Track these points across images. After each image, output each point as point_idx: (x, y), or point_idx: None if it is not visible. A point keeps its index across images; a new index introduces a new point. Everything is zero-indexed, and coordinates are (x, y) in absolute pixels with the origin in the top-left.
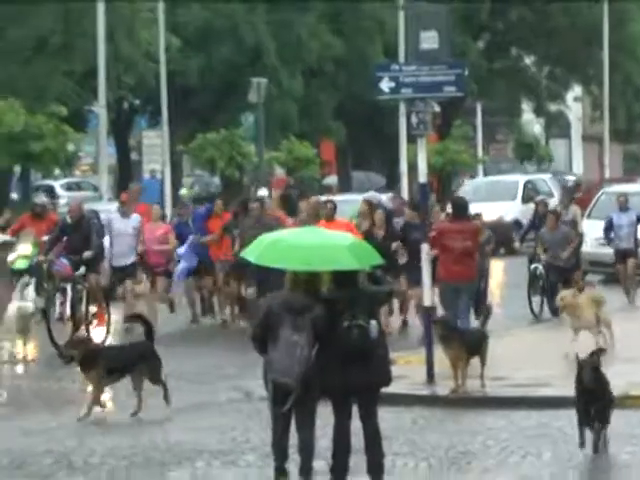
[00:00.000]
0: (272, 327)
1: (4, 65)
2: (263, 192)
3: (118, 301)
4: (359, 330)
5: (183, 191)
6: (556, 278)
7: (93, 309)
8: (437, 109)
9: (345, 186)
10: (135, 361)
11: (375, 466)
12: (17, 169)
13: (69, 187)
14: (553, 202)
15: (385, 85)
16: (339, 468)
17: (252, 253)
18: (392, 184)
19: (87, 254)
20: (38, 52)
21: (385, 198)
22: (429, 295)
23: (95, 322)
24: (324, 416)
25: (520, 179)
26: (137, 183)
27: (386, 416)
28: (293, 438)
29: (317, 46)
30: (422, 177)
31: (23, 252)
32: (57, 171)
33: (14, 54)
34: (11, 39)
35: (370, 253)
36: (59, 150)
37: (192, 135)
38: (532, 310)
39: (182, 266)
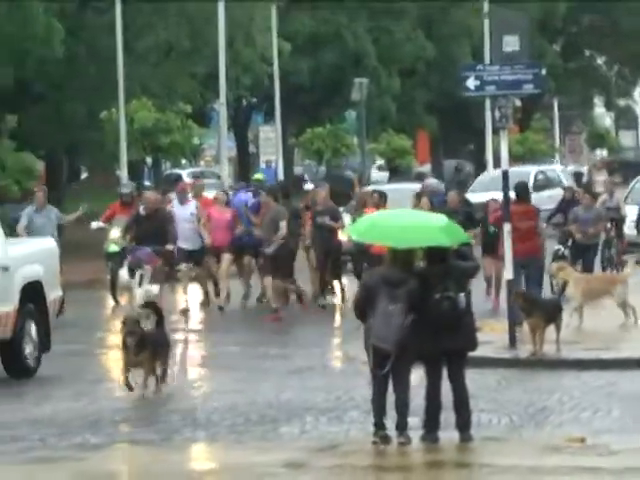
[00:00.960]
0: (371, 298)
1: (137, 68)
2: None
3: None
4: (449, 301)
5: (258, 175)
6: (581, 255)
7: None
8: (518, 104)
9: (437, 173)
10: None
11: (463, 421)
12: (149, 160)
13: (195, 175)
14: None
15: (471, 83)
16: (431, 424)
17: (355, 231)
18: (481, 171)
19: (168, 246)
20: (167, 57)
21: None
22: (510, 269)
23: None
24: (418, 377)
25: (532, 169)
26: (201, 180)
27: (472, 377)
28: (390, 397)
29: (412, 49)
30: (504, 164)
31: (114, 236)
32: (184, 161)
33: (146, 59)
34: (143, 46)
35: (459, 232)
36: (185, 143)
37: (302, 129)
38: (552, 291)
39: None
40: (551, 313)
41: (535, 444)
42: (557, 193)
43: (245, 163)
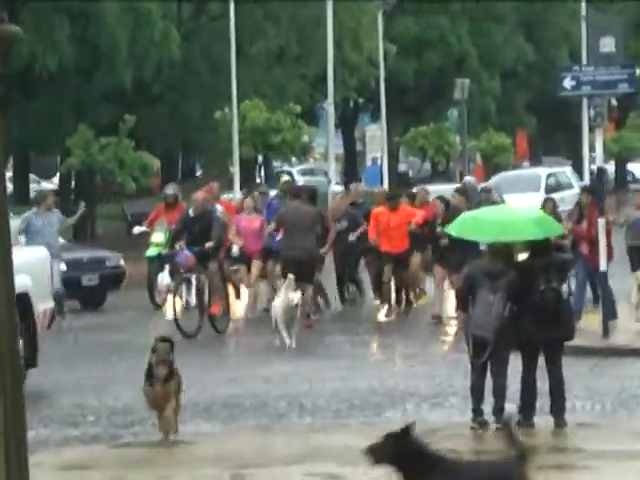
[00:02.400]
0: (473, 289)
1: (250, 71)
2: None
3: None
4: (553, 292)
5: (285, 178)
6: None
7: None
8: (614, 103)
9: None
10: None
11: (558, 407)
12: (260, 157)
13: (304, 172)
14: (573, 193)
15: (567, 83)
16: (527, 409)
17: (454, 228)
18: (577, 168)
19: (209, 244)
20: (278, 60)
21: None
22: (604, 262)
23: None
24: (514, 365)
25: (542, 172)
26: (216, 181)
27: (567, 365)
28: (488, 383)
29: (512, 51)
30: (599, 161)
31: (156, 240)
32: (293, 159)
33: (258, 62)
34: (255, 50)
35: (554, 225)
36: (295, 141)
37: (406, 128)
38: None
39: None
40: None
41: (627, 430)
42: (569, 195)
43: (352, 160)
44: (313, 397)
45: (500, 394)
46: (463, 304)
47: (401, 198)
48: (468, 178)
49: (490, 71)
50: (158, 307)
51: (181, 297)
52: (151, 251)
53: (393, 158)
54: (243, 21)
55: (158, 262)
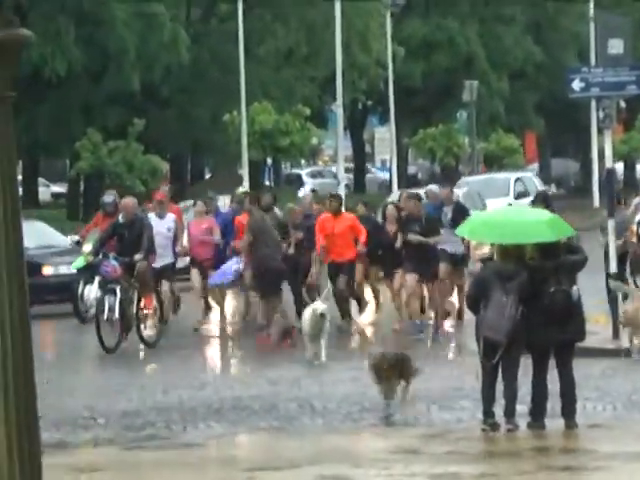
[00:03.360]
0: (485, 291)
1: (258, 73)
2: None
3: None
4: (564, 294)
5: (243, 188)
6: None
7: (146, 311)
8: (623, 105)
9: (545, 172)
10: None
11: (569, 409)
12: (269, 160)
13: (313, 175)
14: None
15: (576, 85)
16: (538, 411)
17: (465, 230)
18: (586, 169)
19: (137, 257)
20: (286, 61)
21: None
22: (614, 264)
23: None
24: (525, 367)
25: (511, 176)
26: (169, 185)
27: (578, 366)
28: (499, 385)
29: (521, 53)
30: (608, 163)
31: (86, 250)
32: (302, 161)
33: (266, 63)
34: (264, 51)
35: (565, 227)
36: (304, 144)
37: (415, 130)
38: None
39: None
40: None
41: (638, 431)
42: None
43: (361, 162)
44: (324, 399)
45: (511, 396)
46: (474, 306)
47: (341, 203)
48: (431, 186)
49: (499, 72)
50: (82, 320)
51: (104, 310)
52: (78, 262)
53: (402, 160)
54: (252, 23)
55: (87, 273)
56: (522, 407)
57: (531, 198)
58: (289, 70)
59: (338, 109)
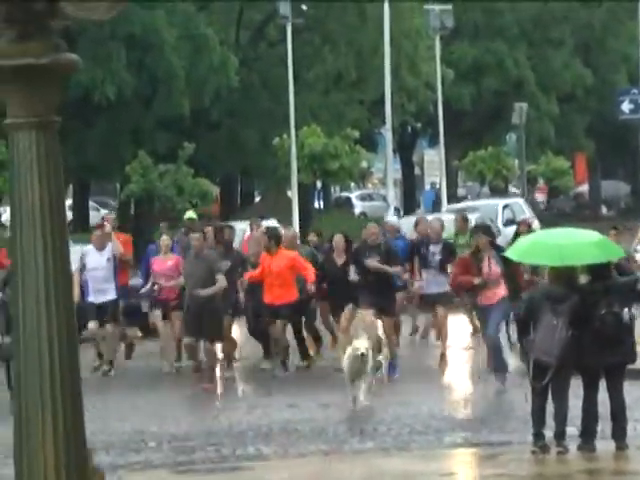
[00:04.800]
0: (535, 313)
1: (307, 97)
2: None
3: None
4: (614, 317)
5: (190, 213)
6: None
7: None
8: None
9: (595, 193)
10: None
11: (619, 431)
12: (318, 183)
13: (362, 198)
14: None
15: (626, 107)
16: (588, 433)
17: (515, 253)
18: (636, 191)
19: None
20: (335, 85)
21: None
22: None
23: None
24: (575, 388)
25: (499, 202)
26: (111, 213)
27: (628, 388)
28: (549, 407)
29: (570, 75)
30: None
31: None
32: (352, 184)
33: (316, 88)
34: (313, 75)
35: (615, 248)
36: (353, 167)
37: (465, 152)
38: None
39: None
40: None
41: None
42: None
43: (411, 185)
44: (374, 422)
45: (561, 418)
46: (523, 328)
47: (280, 239)
48: (389, 219)
49: (548, 95)
50: None
51: None
52: None
53: (452, 182)
54: (301, 47)
55: None
56: (572, 429)
57: None
58: (338, 94)
59: (387, 132)
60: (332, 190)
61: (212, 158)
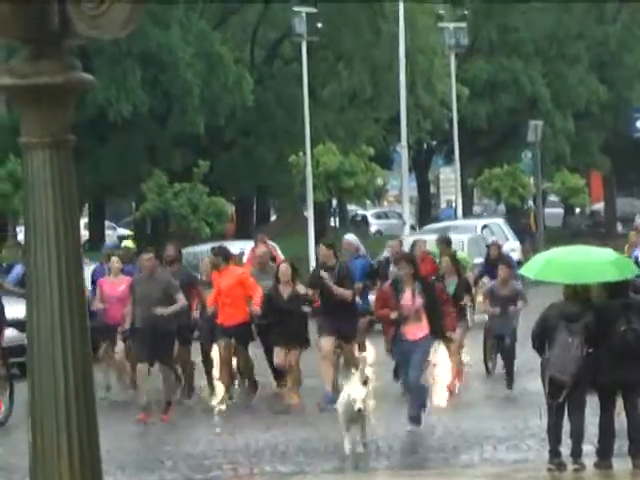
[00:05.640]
0: (549, 331)
1: (323, 114)
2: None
3: None
4: (634, 333)
5: (127, 242)
6: None
7: None
8: None
9: (610, 212)
10: None
11: (636, 448)
12: (334, 202)
13: (378, 216)
14: (508, 245)
15: None
16: (605, 450)
17: (530, 271)
18: None
19: None
20: (350, 103)
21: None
22: None
23: None
24: (592, 406)
25: (477, 223)
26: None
27: None
28: (566, 425)
29: (585, 92)
30: None
31: None
32: (368, 202)
33: (331, 105)
34: (328, 93)
35: (630, 266)
36: (368, 185)
37: (480, 170)
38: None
39: None
40: None
41: None
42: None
43: (426, 203)
44: (389, 440)
45: (578, 435)
46: (539, 346)
47: (227, 256)
48: (347, 236)
49: (563, 112)
50: None
51: None
52: None
53: (467, 200)
54: (316, 65)
55: None
56: (589, 447)
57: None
58: (353, 111)
59: (403, 149)
60: (348, 208)
61: (227, 176)
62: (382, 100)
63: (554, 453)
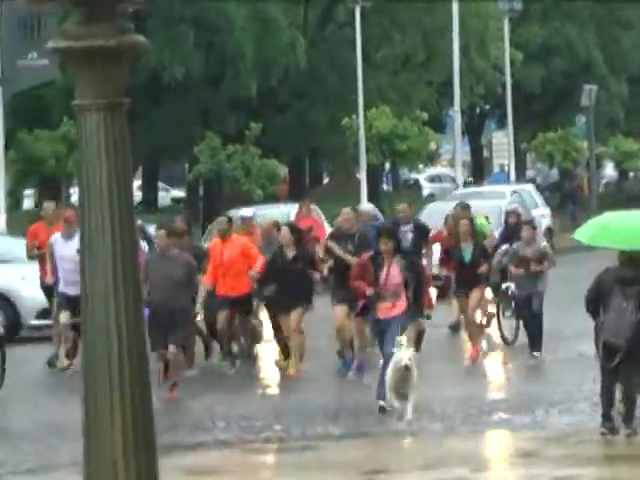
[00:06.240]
0: (604, 296)
1: (376, 78)
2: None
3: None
4: None
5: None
6: None
7: None
8: None
9: None
10: None
11: None
12: (387, 165)
13: (431, 179)
14: (537, 212)
15: None
16: None
17: (583, 235)
18: None
19: None
20: (404, 66)
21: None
22: None
23: None
24: None
25: (506, 189)
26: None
27: None
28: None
29: (639, 57)
30: None
31: None
32: (420, 166)
33: (384, 69)
34: (382, 57)
35: None
36: (421, 149)
37: (533, 134)
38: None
39: None
40: None
41: None
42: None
43: (479, 167)
44: (442, 403)
45: (631, 400)
46: (593, 310)
47: (229, 224)
48: (364, 205)
49: (617, 76)
50: None
51: None
52: None
53: (520, 164)
54: (369, 28)
55: None
56: None
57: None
58: (406, 75)
59: (456, 114)
60: (400, 172)
61: (280, 139)
62: (435, 64)
63: (606, 417)
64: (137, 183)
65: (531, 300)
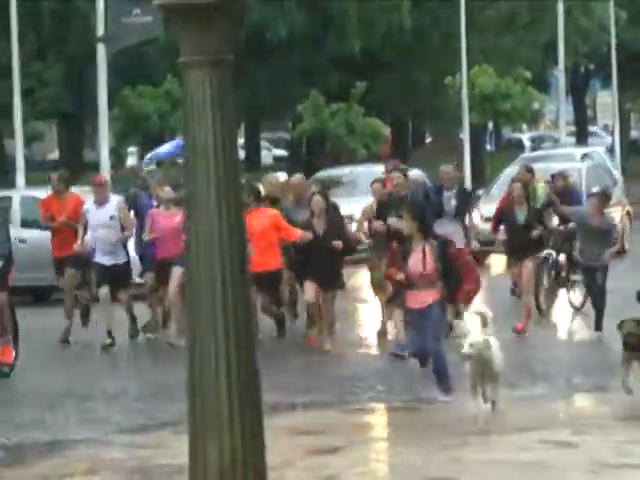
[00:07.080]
0: None
1: (479, 39)
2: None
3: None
4: None
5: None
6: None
7: None
8: None
9: None
10: None
11: None
12: (490, 125)
13: (534, 140)
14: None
15: None
16: None
17: None
18: None
19: None
20: (508, 27)
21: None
22: None
23: None
24: None
25: (576, 151)
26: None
27: None
28: None
29: None
30: None
31: None
32: (524, 126)
33: (488, 29)
34: (486, 17)
35: None
36: (525, 108)
37: (638, 94)
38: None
39: None
40: None
41: None
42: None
43: (583, 127)
44: (542, 364)
45: None
46: None
47: (259, 195)
48: (415, 171)
49: None
50: None
51: None
52: None
53: (625, 125)
54: None
55: None
56: None
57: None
58: (511, 36)
59: (560, 73)
60: (503, 132)
61: (384, 98)
62: (539, 25)
63: None
64: (240, 141)
65: (594, 273)
